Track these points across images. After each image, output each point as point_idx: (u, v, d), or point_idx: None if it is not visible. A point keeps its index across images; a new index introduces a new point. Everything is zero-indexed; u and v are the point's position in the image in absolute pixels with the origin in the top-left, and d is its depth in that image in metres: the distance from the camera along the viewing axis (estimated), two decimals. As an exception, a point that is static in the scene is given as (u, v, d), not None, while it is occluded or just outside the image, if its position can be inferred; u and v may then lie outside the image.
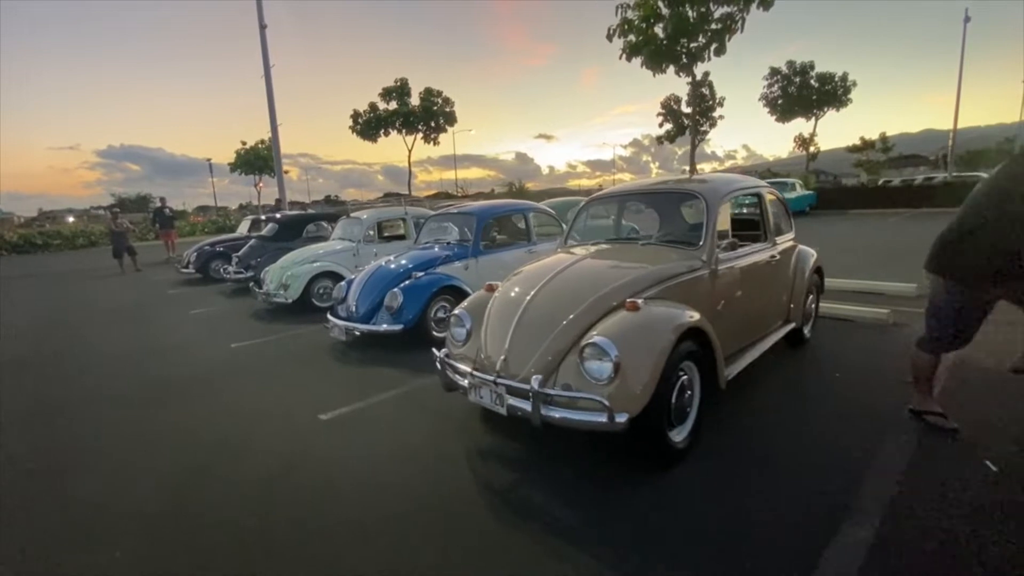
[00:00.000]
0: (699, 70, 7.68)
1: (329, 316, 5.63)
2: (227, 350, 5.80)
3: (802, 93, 23.86)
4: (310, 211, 15.34)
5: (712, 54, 7.55)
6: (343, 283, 5.86)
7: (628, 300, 2.69)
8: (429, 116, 20.19)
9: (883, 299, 6.15)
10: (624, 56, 7.98)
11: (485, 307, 3.31)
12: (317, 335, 6.16)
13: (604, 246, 3.55)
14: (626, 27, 9.53)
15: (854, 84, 24.52)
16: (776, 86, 25.12)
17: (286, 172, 36.47)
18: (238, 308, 8.28)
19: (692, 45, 7.92)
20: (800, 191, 21.66)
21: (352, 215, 8.56)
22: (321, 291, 7.59)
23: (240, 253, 10.13)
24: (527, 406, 2.54)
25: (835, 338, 4.86)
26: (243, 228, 12.74)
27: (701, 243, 3.28)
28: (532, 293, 2.96)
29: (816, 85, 23.97)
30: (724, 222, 3.44)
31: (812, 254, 4.64)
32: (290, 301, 7.25)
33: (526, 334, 2.79)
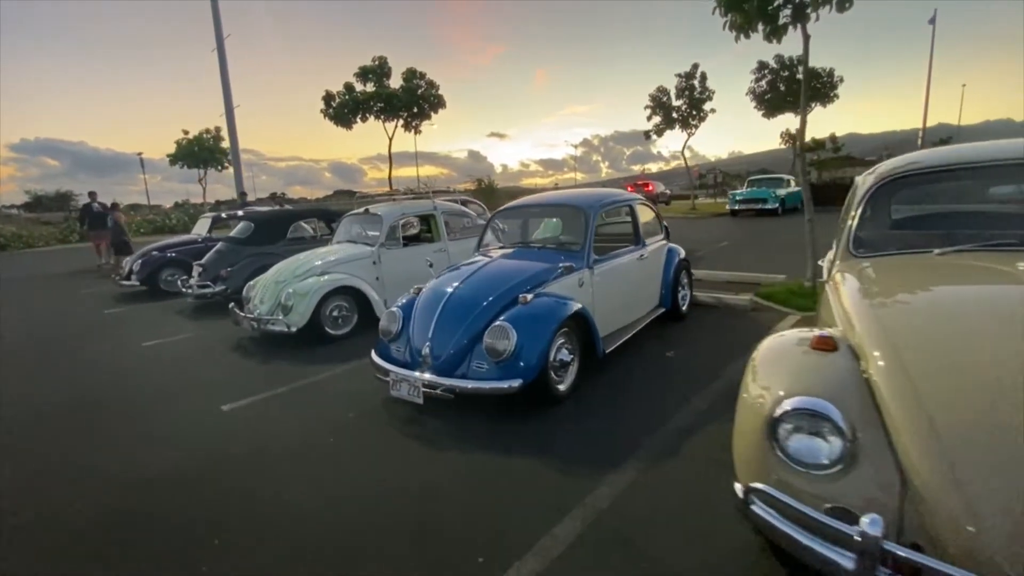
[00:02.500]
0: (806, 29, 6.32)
1: (380, 360, 3.71)
2: (216, 417, 3.75)
3: (792, 88, 23.43)
4: (287, 206, 12.92)
5: (834, 7, 6.16)
6: (395, 309, 3.92)
7: None
8: (413, 100, 17.78)
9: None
10: (718, 11, 6.38)
11: (855, 386, 1.60)
12: (351, 384, 4.20)
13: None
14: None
15: (841, 80, 24.47)
16: (764, 80, 24.65)
17: (219, 170, 32.96)
18: (210, 337, 6.09)
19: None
20: (794, 187, 21.27)
21: (371, 209, 6.52)
22: (336, 313, 5.56)
23: (204, 260, 7.84)
24: None
25: None
26: (200, 228, 10.30)
27: None
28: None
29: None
30: None
31: None
32: (294, 329, 5.20)
33: None
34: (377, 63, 16.51)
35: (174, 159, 27.91)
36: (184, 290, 7.62)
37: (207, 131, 28.48)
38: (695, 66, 23.68)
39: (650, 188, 33.12)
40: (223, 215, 10.43)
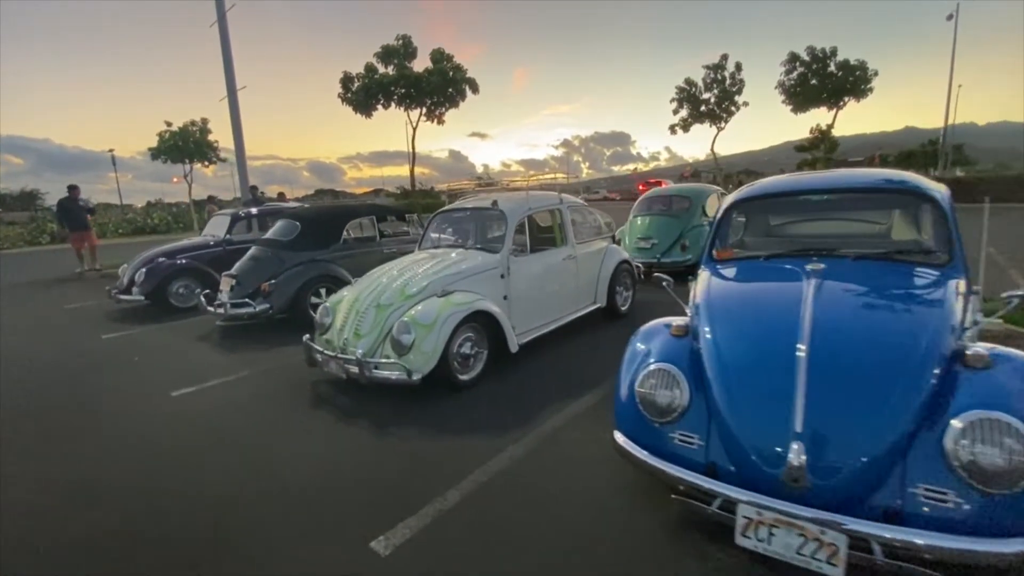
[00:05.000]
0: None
1: (662, 465, 2.07)
2: None
3: (824, 83, 22.16)
4: (291, 204, 11.03)
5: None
6: (667, 366, 2.24)
7: None
8: (445, 84, 15.69)
9: None
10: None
11: None
12: (581, 488, 2.53)
13: None
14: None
15: (875, 74, 23.34)
16: (795, 73, 23.36)
17: (206, 165, 30.57)
18: (268, 382, 4.32)
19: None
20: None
21: (490, 202, 4.75)
22: (465, 350, 3.86)
23: (236, 270, 6.04)
24: None
25: None
26: (215, 228, 8.37)
27: None
28: None
29: (839, 73, 22.38)
30: None
31: None
32: (417, 377, 3.48)
33: None
34: (400, 42, 14.55)
35: (156, 153, 25.50)
36: (211, 309, 5.79)
37: (193, 123, 26.21)
38: (724, 56, 22.36)
39: (663, 187, 31.85)
40: (241, 213, 8.55)
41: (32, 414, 3.85)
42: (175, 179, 36.15)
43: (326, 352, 3.81)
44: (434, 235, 5.20)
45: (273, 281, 5.76)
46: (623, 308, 5.79)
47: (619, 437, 2.34)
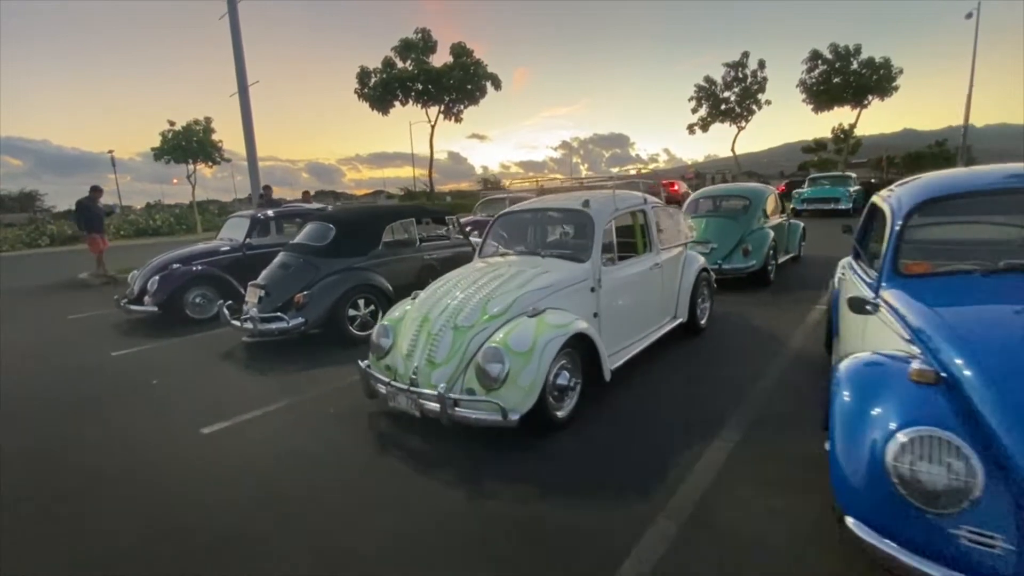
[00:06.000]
0: None
1: None
2: None
3: (848, 80, 21.54)
4: (313, 203, 10.38)
5: None
6: (938, 436, 1.60)
7: None
8: (466, 79, 15.01)
9: None
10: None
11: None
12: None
13: None
14: None
15: (900, 72, 22.67)
16: (816, 71, 22.68)
17: (209, 166, 29.86)
18: (311, 412, 3.65)
19: None
20: (859, 185, 19.79)
21: (580, 202, 4.07)
22: (561, 381, 3.19)
23: (263, 279, 5.38)
24: None
25: None
26: (232, 231, 7.69)
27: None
28: None
29: (864, 72, 21.73)
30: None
31: None
32: (515, 418, 2.81)
33: None
34: (419, 36, 13.91)
35: (160, 153, 24.86)
36: (236, 323, 5.11)
37: (196, 122, 25.55)
38: (745, 54, 21.71)
39: (675, 188, 31.17)
40: (259, 216, 7.88)
41: (29, 462, 3.18)
42: (175, 180, 35.39)
43: (395, 384, 3.14)
44: (494, 242, 4.53)
45: (307, 292, 5.09)
46: (702, 322, 5.14)
47: (856, 526, 1.68)
